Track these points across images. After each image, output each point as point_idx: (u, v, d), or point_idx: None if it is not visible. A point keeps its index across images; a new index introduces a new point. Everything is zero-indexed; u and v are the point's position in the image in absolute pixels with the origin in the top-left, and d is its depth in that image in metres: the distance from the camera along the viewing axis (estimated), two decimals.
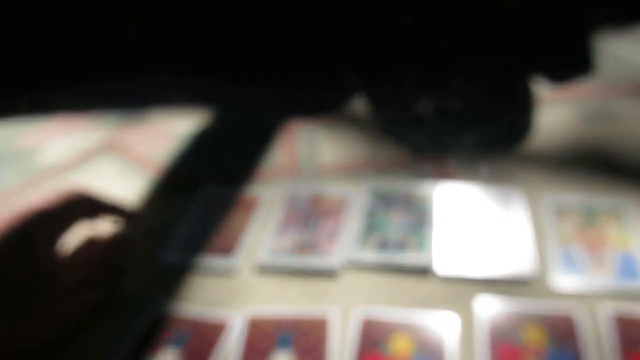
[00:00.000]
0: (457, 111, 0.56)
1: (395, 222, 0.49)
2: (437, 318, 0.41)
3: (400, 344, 0.40)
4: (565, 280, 0.43)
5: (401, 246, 0.47)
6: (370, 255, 0.46)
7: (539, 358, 0.38)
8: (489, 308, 0.41)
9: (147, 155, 0.65)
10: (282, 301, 0.45)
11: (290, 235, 0.50)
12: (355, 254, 0.47)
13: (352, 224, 0.50)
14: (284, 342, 0.41)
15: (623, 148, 0.55)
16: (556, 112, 0.62)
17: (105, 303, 0.46)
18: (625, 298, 0.41)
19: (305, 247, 0.48)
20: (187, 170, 0.62)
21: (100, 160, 0.65)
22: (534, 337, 0.39)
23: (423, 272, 0.45)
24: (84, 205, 0.47)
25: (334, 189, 0.54)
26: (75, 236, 0.46)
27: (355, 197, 0.53)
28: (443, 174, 0.54)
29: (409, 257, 0.46)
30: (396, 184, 0.53)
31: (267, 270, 0.47)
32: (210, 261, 0.48)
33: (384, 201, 0.52)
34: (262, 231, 0.51)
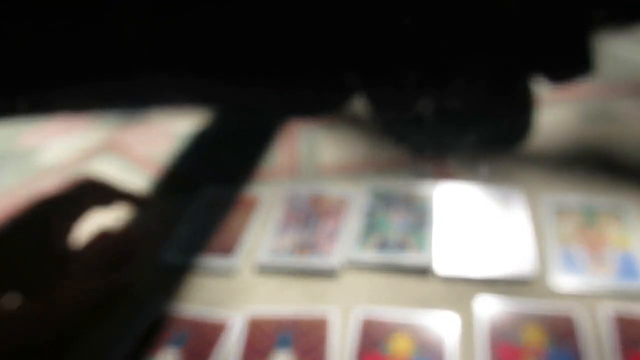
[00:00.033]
0: (457, 111, 0.56)
1: (395, 222, 0.49)
2: (437, 318, 0.41)
3: (400, 344, 0.40)
4: (565, 280, 0.43)
5: (401, 246, 0.47)
6: (370, 255, 0.46)
7: (539, 358, 0.38)
8: (489, 308, 0.41)
9: (147, 155, 0.65)
10: (282, 301, 0.45)
11: (290, 235, 0.50)
12: (355, 254, 0.47)
13: (352, 224, 0.50)
14: (284, 342, 0.41)
15: (623, 148, 0.55)
16: (556, 112, 0.62)
17: (115, 295, 0.46)
18: (625, 298, 0.41)
19: (305, 247, 0.48)
20: (187, 170, 0.62)
21: (100, 160, 0.65)
22: (534, 337, 0.39)
23: (423, 272, 0.45)
24: (97, 193, 0.47)
25: (334, 189, 0.54)
26: (88, 224, 0.46)
27: (355, 197, 0.53)
28: (443, 174, 0.54)
29: (409, 257, 0.46)
30: (396, 184, 0.53)
31: (267, 270, 0.47)
32: (210, 261, 0.48)
33: (384, 201, 0.52)
34: (262, 231, 0.51)
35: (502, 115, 0.56)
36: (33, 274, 0.43)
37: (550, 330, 0.39)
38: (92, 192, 0.47)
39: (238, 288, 0.46)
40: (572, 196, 0.50)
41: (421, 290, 0.44)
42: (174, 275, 0.48)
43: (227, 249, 0.49)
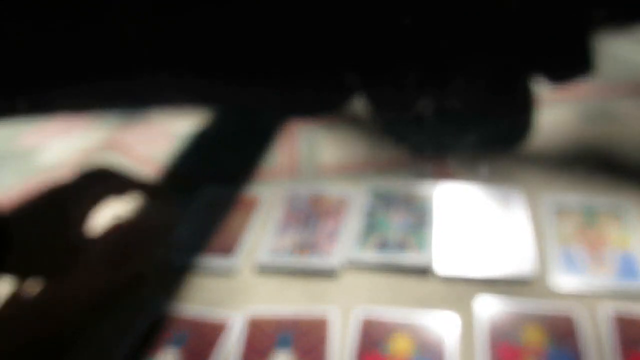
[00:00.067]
0: (457, 111, 0.56)
1: (395, 222, 0.49)
2: (437, 318, 0.41)
3: (400, 344, 0.40)
4: (565, 280, 0.43)
5: (401, 246, 0.47)
6: (370, 255, 0.46)
7: (539, 358, 0.38)
8: (489, 308, 0.41)
9: (147, 155, 0.65)
10: (282, 301, 0.45)
11: (290, 235, 0.50)
12: (355, 254, 0.47)
13: (352, 224, 0.50)
14: (284, 342, 0.41)
15: (623, 148, 0.55)
16: (556, 112, 0.62)
17: (129, 287, 0.46)
18: (625, 298, 0.41)
19: (305, 247, 0.48)
20: (187, 170, 0.62)
21: (100, 160, 0.65)
22: (534, 337, 0.39)
23: (423, 272, 0.45)
24: (111, 182, 0.47)
25: (334, 189, 0.54)
26: (102, 214, 0.46)
27: (355, 197, 0.53)
28: (443, 174, 0.54)
29: (409, 257, 0.46)
30: (396, 184, 0.53)
31: (267, 270, 0.47)
32: (210, 261, 0.48)
33: (384, 201, 0.52)
34: (262, 231, 0.51)
35: (502, 115, 0.56)
36: (47, 262, 0.43)
37: (550, 330, 0.39)
38: (106, 182, 0.47)
39: (238, 288, 0.46)
40: (572, 196, 0.50)
41: (421, 290, 0.44)
42: (174, 275, 0.48)
43: (227, 249, 0.49)
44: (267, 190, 0.55)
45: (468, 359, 0.39)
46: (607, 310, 0.40)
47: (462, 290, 0.43)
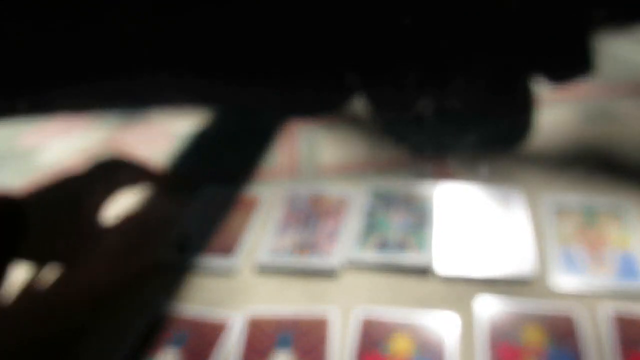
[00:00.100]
0: (457, 111, 0.56)
1: (395, 222, 0.49)
2: (437, 318, 0.41)
3: (400, 344, 0.40)
4: (565, 280, 0.43)
5: (401, 246, 0.47)
6: (370, 255, 0.46)
7: (539, 358, 0.38)
8: (489, 308, 0.41)
9: (147, 155, 0.65)
10: (282, 301, 0.45)
11: (290, 235, 0.50)
12: (355, 254, 0.47)
13: (352, 224, 0.50)
14: (284, 342, 0.41)
15: (623, 148, 0.55)
16: (556, 112, 0.62)
17: (142, 276, 0.46)
18: (625, 298, 0.41)
19: (305, 247, 0.48)
20: (187, 170, 0.62)
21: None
22: (534, 337, 0.39)
23: (423, 272, 0.45)
24: (125, 172, 0.47)
25: (334, 189, 0.54)
26: (115, 204, 0.46)
27: (355, 197, 0.53)
28: (443, 174, 0.54)
29: (409, 257, 0.46)
30: (396, 184, 0.53)
31: (267, 270, 0.47)
32: (210, 261, 0.48)
33: (384, 201, 0.52)
34: (262, 231, 0.51)
35: (502, 115, 0.56)
36: (61, 250, 0.43)
37: (550, 330, 0.39)
38: (118, 172, 0.47)
39: (238, 288, 0.46)
40: (572, 196, 0.50)
41: (421, 290, 0.44)
42: (174, 275, 0.48)
43: (227, 249, 0.49)
44: (267, 190, 0.55)
45: (468, 359, 0.39)
46: (607, 310, 0.40)
47: (462, 290, 0.43)
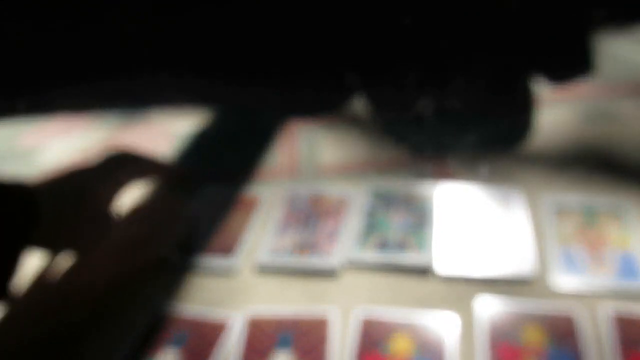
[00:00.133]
0: (457, 111, 0.56)
1: (395, 222, 0.49)
2: (437, 318, 0.41)
3: (400, 344, 0.40)
4: (565, 280, 0.43)
5: (401, 246, 0.47)
6: (370, 255, 0.46)
7: (539, 358, 0.38)
8: (489, 308, 0.41)
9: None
10: (282, 301, 0.45)
11: (290, 235, 0.50)
12: (355, 254, 0.47)
13: (352, 224, 0.50)
14: (284, 342, 0.41)
15: (623, 148, 0.55)
16: (556, 112, 0.62)
17: (146, 271, 0.46)
18: (625, 298, 0.41)
19: (305, 247, 0.48)
20: (187, 170, 0.62)
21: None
22: (534, 337, 0.39)
23: (423, 272, 0.45)
24: (134, 165, 0.47)
25: (334, 189, 0.54)
26: (127, 196, 0.46)
27: (355, 197, 0.53)
28: (443, 174, 0.54)
29: (409, 257, 0.46)
30: (396, 184, 0.53)
31: (267, 270, 0.47)
32: (210, 261, 0.48)
33: (384, 201, 0.52)
34: (262, 231, 0.51)
35: (502, 115, 0.56)
36: (73, 238, 0.43)
37: (550, 330, 0.39)
38: (129, 165, 0.47)
39: (238, 288, 0.46)
40: (572, 196, 0.50)
41: (421, 290, 0.44)
42: (174, 275, 0.48)
43: (227, 249, 0.49)
44: (267, 190, 0.55)
45: (468, 359, 0.39)
46: (607, 310, 0.40)
47: (462, 290, 0.43)
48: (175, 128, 0.68)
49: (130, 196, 0.47)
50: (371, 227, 0.49)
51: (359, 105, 0.61)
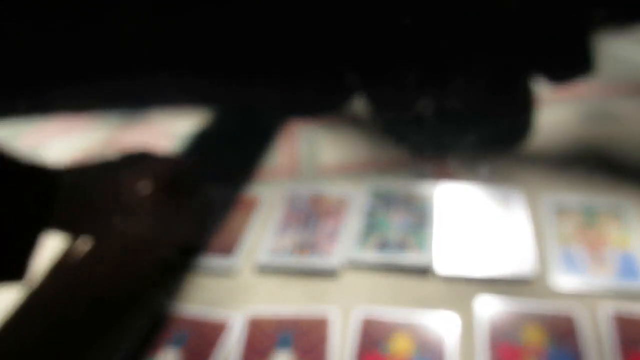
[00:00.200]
0: (457, 111, 0.56)
1: (395, 222, 0.49)
2: (437, 318, 0.41)
3: (400, 344, 0.40)
4: (565, 280, 0.43)
5: (401, 246, 0.47)
6: (370, 255, 0.46)
7: (539, 358, 0.38)
8: (489, 308, 0.41)
9: None
10: (282, 301, 0.45)
11: (290, 235, 0.50)
12: (355, 254, 0.47)
13: (352, 224, 0.50)
14: (284, 342, 0.41)
15: (623, 148, 0.55)
16: (556, 112, 0.62)
17: (158, 267, 0.46)
18: (625, 298, 0.41)
19: (305, 247, 0.48)
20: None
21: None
22: (534, 337, 0.39)
23: (423, 272, 0.45)
24: (155, 164, 0.48)
25: (334, 189, 0.54)
26: (145, 188, 0.46)
27: (355, 197, 0.53)
28: (443, 174, 0.54)
29: (409, 257, 0.46)
30: (396, 184, 0.53)
31: (267, 270, 0.47)
32: (210, 261, 0.48)
33: (384, 201, 0.52)
34: (262, 231, 0.51)
35: (502, 115, 0.56)
36: (96, 222, 0.43)
37: (550, 330, 0.39)
38: (145, 162, 0.47)
39: (238, 288, 0.46)
40: (572, 196, 0.50)
41: (421, 290, 0.44)
42: (174, 275, 0.48)
43: (227, 249, 0.49)
44: (267, 190, 0.55)
45: (468, 359, 0.39)
46: (607, 310, 0.40)
47: (462, 290, 0.43)
48: (175, 128, 0.68)
49: (147, 194, 0.47)
50: (371, 227, 0.49)
51: (359, 105, 0.61)
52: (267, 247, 0.49)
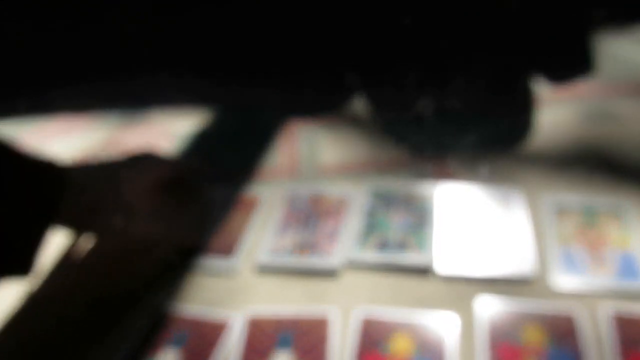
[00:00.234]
0: (457, 111, 0.56)
1: (395, 222, 0.49)
2: (437, 318, 0.41)
3: (400, 344, 0.40)
4: (565, 280, 0.43)
5: (401, 246, 0.47)
6: (371, 255, 0.46)
7: (539, 358, 0.38)
8: (489, 308, 0.41)
9: None
10: (282, 301, 0.45)
11: (290, 235, 0.50)
12: (355, 254, 0.47)
13: (352, 224, 0.50)
14: (284, 342, 0.41)
15: (623, 148, 0.55)
16: (556, 112, 0.62)
17: (177, 264, 0.46)
18: (625, 298, 0.41)
19: (305, 247, 0.48)
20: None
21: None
22: (534, 337, 0.39)
23: (423, 272, 0.45)
24: (160, 166, 0.48)
25: (334, 189, 0.54)
26: (151, 189, 0.47)
27: (355, 197, 0.53)
28: (443, 174, 0.54)
29: (409, 257, 0.46)
30: (396, 184, 0.53)
31: (267, 270, 0.47)
32: (211, 261, 0.48)
33: (384, 201, 0.52)
34: (262, 231, 0.51)
35: (502, 115, 0.56)
36: (101, 220, 0.43)
37: (550, 330, 0.39)
38: (154, 165, 0.48)
39: (238, 288, 0.46)
40: (572, 196, 0.50)
41: (421, 290, 0.44)
42: (174, 275, 0.48)
43: (227, 249, 0.49)
44: (267, 190, 0.55)
45: (468, 359, 0.39)
46: (607, 310, 0.40)
47: (462, 290, 0.43)
48: (175, 128, 0.68)
49: (152, 195, 0.47)
50: (371, 227, 0.49)
51: (359, 105, 0.61)
52: (267, 247, 0.49)
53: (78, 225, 0.44)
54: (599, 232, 0.46)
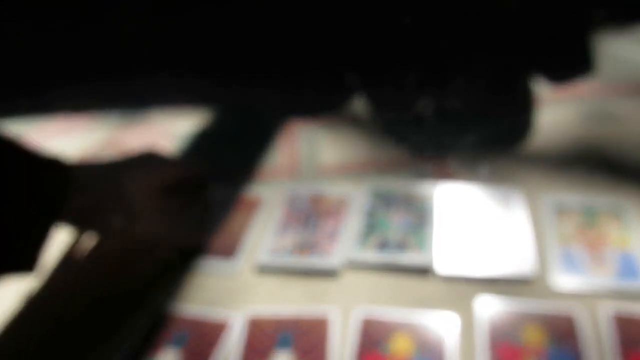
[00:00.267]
0: (457, 111, 0.56)
1: (395, 222, 0.49)
2: (437, 318, 0.41)
3: (400, 344, 0.40)
4: (566, 280, 0.43)
5: (401, 246, 0.47)
6: (371, 255, 0.46)
7: (539, 358, 0.38)
8: (489, 308, 0.41)
9: None
10: (282, 301, 0.45)
11: (290, 235, 0.50)
12: (355, 254, 0.47)
13: (352, 224, 0.50)
14: (284, 342, 0.41)
15: (623, 148, 0.55)
16: (556, 112, 0.62)
17: (177, 264, 0.46)
18: (625, 298, 0.41)
19: (306, 247, 0.48)
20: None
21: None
22: (534, 337, 0.39)
23: (423, 272, 0.45)
24: (163, 166, 0.48)
25: (334, 189, 0.54)
26: (152, 189, 0.47)
27: (355, 197, 0.53)
28: (443, 174, 0.54)
29: (409, 257, 0.46)
30: (396, 184, 0.53)
31: (267, 270, 0.47)
32: (211, 261, 0.48)
33: (384, 201, 0.52)
34: (262, 231, 0.51)
35: (502, 115, 0.56)
36: (103, 219, 0.44)
37: (550, 330, 0.39)
38: (152, 163, 0.48)
39: (238, 288, 0.46)
40: (572, 196, 0.50)
41: (421, 290, 0.44)
42: (174, 275, 0.48)
43: (228, 249, 0.49)
44: (268, 191, 0.55)
45: (468, 359, 0.39)
46: (607, 310, 0.40)
47: (462, 290, 0.43)
48: (175, 128, 0.68)
49: (155, 195, 0.47)
50: (371, 227, 0.49)
51: (359, 105, 0.61)
52: (267, 247, 0.49)
53: (80, 224, 0.44)
54: (599, 232, 0.46)
